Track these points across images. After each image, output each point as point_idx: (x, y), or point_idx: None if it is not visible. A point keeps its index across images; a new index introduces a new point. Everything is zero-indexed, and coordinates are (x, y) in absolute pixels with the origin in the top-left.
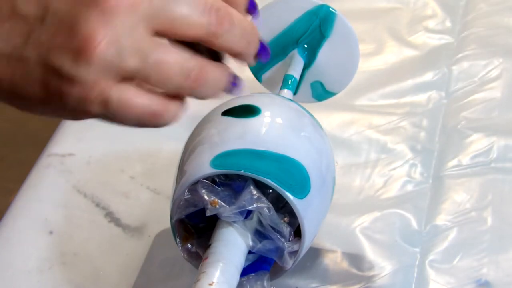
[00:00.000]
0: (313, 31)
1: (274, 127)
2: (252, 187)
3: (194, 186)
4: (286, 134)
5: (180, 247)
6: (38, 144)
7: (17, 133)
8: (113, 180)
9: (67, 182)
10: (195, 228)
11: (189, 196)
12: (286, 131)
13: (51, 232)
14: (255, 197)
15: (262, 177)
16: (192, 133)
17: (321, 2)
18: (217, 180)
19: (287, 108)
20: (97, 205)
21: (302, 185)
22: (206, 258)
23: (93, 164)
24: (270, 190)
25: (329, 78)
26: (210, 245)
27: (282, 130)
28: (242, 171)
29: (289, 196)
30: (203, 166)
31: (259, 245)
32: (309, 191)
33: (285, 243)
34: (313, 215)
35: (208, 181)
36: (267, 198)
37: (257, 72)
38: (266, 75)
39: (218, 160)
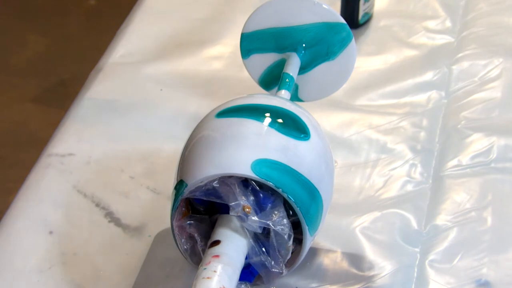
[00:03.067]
0: (321, 45)
1: (317, 158)
2: (283, 210)
3: (223, 178)
4: (323, 169)
5: (175, 221)
6: (38, 144)
7: (17, 133)
8: (113, 180)
9: (67, 182)
10: (192, 207)
11: (217, 185)
12: (323, 166)
13: (51, 232)
14: (283, 220)
15: (296, 206)
16: (222, 118)
17: (343, 21)
18: (249, 182)
19: (324, 138)
20: (97, 205)
21: (316, 222)
22: (217, 256)
23: (93, 164)
24: (291, 212)
25: (306, 88)
26: (218, 242)
27: (321, 164)
28: (281, 189)
29: (308, 234)
30: (242, 165)
31: (257, 258)
32: (318, 228)
33: (283, 268)
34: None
35: (240, 179)
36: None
37: (247, 46)
38: (253, 57)
39: (260, 167)
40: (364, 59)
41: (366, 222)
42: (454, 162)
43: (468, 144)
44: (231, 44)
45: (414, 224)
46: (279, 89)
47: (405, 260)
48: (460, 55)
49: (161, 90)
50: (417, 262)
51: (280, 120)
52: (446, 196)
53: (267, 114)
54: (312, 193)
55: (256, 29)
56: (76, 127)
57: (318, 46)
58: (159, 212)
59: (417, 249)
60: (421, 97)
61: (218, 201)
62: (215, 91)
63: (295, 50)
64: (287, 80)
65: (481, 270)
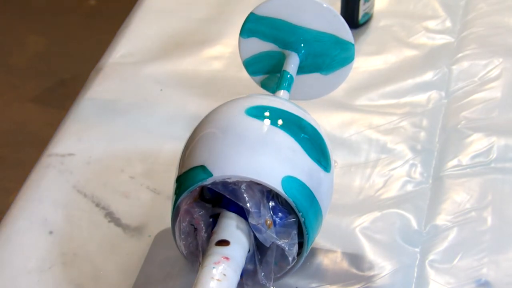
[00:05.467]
0: (323, 56)
1: (329, 189)
2: (296, 232)
3: (250, 183)
4: (329, 201)
5: (184, 204)
6: (38, 144)
7: (17, 133)
8: (113, 180)
9: (67, 182)
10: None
11: (245, 188)
12: (330, 199)
13: (51, 232)
14: (294, 245)
15: (306, 233)
16: (255, 119)
17: (353, 41)
18: (270, 193)
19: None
20: (97, 205)
21: (309, 246)
22: (227, 258)
23: (93, 164)
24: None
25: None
26: (228, 242)
27: (330, 197)
28: (301, 214)
29: (303, 259)
30: (274, 177)
31: (251, 266)
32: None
33: (271, 284)
34: None
35: (267, 189)
36: None
37: (251, 27)
38: (251, 40)
39: (290, 185)
40: (364, 59)
41: (366, 222)
42: (454, 162)
43: (468, 144)
44: (231, 44)
45: (414, 224)
46: (279, 88)
47: (405, 260)
48: (460, 55)
49: (161, 90)
50: (417, 262)
51: (311, 144)
52: (446, 196)
53: (302, 134)
54: (319, 220)
55: (268, 15)
56: (76, 127)
57: (319, 55)
58: (159, 212)
59: (417, 249)
60: (421, 97)
61: (239, 203)
62: (215, 91)
63: (295, 50)
64: (288, 80)
65: (481, 270)
